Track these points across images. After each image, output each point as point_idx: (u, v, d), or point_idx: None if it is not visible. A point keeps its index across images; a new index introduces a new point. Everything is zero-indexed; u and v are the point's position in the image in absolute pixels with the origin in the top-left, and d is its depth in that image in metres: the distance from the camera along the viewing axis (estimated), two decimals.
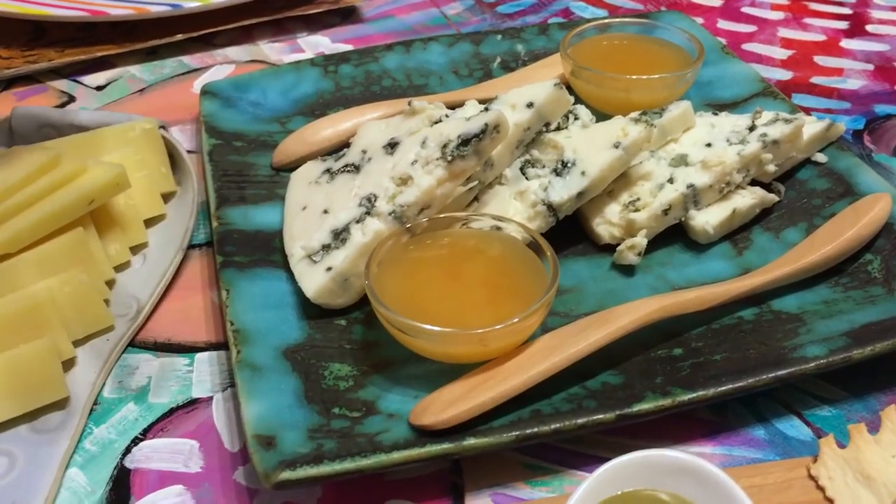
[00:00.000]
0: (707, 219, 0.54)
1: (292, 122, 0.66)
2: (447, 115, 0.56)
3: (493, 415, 0.43)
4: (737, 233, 0.56)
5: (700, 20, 0.80)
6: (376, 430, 0.43)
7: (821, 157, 0.59)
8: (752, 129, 0.57)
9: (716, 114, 0.60)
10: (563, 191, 0.53)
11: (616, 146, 0.53)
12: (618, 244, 0.54)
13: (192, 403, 0.48)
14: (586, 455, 0.45)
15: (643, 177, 0.55)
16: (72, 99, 0.73)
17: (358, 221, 0.50)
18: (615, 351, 0.46)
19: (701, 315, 0.48)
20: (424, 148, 0.51)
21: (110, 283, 0.53)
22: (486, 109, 0.54)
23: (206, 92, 0.67)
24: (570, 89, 0.58)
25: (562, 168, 0.54)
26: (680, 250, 0.55)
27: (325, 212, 0.53)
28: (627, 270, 0.53)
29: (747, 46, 0.79)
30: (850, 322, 0.48)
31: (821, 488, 0.41)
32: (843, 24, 0.82)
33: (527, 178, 0.54)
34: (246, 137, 0.63)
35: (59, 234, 0.50)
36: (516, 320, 0.44)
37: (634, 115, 0.55)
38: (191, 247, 0.57)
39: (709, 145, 0.56)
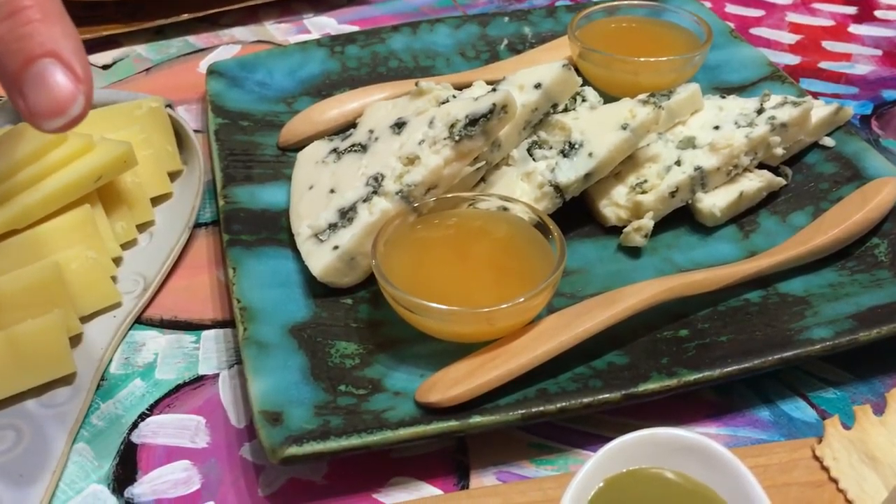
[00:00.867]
0: (714, 201, 0.54)
1: (298, 102, 0.65)
2: (454, 96, 0.56)
3: (499, 393, 0.43)
4: (744, 216, 0.56)
5: (708, 4, 0.80)
6: (382, 408, 0.43)
7: (828, 142, 0.59)
8: (760, 111, 0.57)
9: (724, 97, 0.60)
10: (570, 172, 0.53)
11: (624, 128, 0.53)
12: (624, 226, 0.53)
13: (199, 380, 0.48)
14: (591, 434, 0.45)
15: (650, 159, 0.55)
16: None
17: (365, 201, 0.50)
18: (621, 332, 0.46)
19: (707, 297, 0.48)
20: (432, 128, 0.51)
21: (117, 261, 0.53)
22: (494, 90, 0.54)
23: (213, 71, 0.66)
24: (577, 72, 0.58)
25: (569, 149, 0.54)
26: (686, 233, 0.55)
27: (332, 191, 0.53)
28: (634, 252, 0.53)
29: (755, 31, 0.79)
30: (857, 305, 0.48)
31: (825, 469, 0.41)
32: (851, 10, 0.82)
33: (534, 160, 0.54)
34: (252, 117, 0.63)
35: (66, 211, 0.50)
36: (522, 300, 0.44)
37: (642, 97, 0.55)
38: (197, 225, 0.57)
39: (717, 128, 0.56)
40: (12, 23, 0.32)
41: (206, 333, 0.51)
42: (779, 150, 0.56)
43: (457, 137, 0.50)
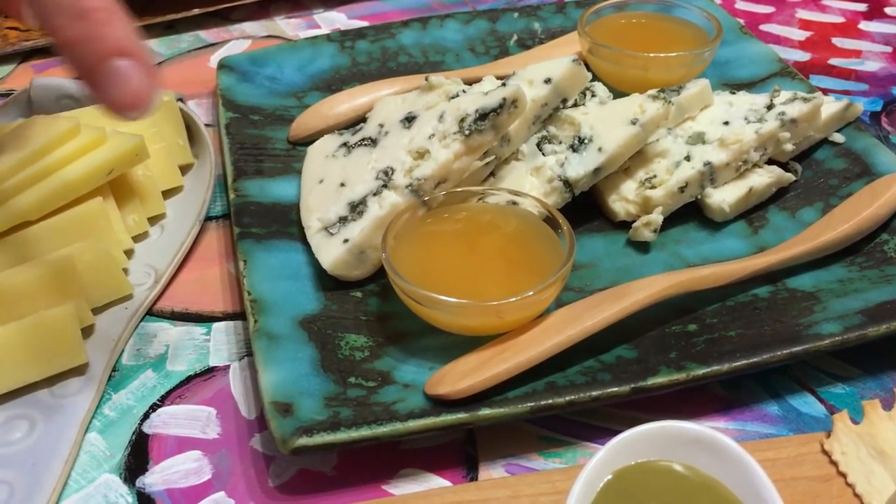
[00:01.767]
0: (723, 197, 0.54)
1: (308, 97, 0.66)
2: (464, 91, 0.56)
3: (508, 386, 0.43)
4: (752, 211, 0.56)
5: (718, 0, 0.80)
6: (392, 400, 0.43)
7: (838, 138, 0.59)
8: (770, 107, 0.57)
9: (733, 93, 0.60)
10: (579, 167, 0.53)
11: (633, 123, 0.53)
12: (633, 221, 0.54)
13: (210, 371, 0.48)
14: (600, 428, 0.45)
15: (660, 154, 0.55)
16: None
17: (375, 194, 0.51)
18: (630, 326, 0.46)
19: (716, 292, 0.49)
20: (442, 122, 0.52)
21: (129, 253, 0.53)
22: (504, 85, 0.54)
23: (224, 66, 0.67)
24: (587, 67, 0.58)
25: (578, 144, 0.54)
26: (695, 228, 0.55)
27: (342, 185, 0.53)
28: (642, 247, 0.54)
29: (765, 27, 0.79)
30: (866, 300, 0.48)
31: (834, 463, 0.41)
32: (861, 6, 0.82)
33: (543, 154, 0.54)
34: (263, 111, 0.63)
35: (78, 204, 0.50)
36: (531, 293, 0.44)
37: (652, 92, 0.55)
38: (208, 219, 0.58)
39: (726, 123, 0.56)
40: (85, 24, 0.36)
41: (216, 325, 0.51)
42: (788, 146, 0.56)
43: (467, 132, 0.50)
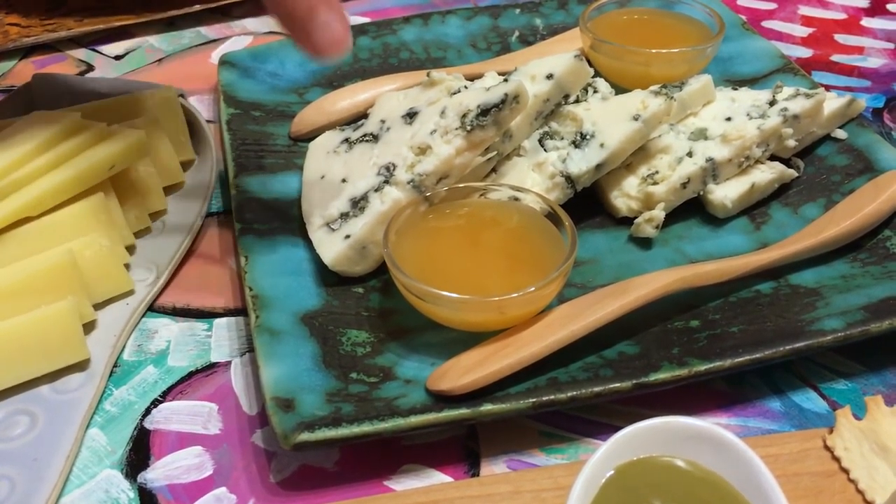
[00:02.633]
0: (725, 193, 0.54)
1: (310, 93, 0.66)
2: (466, 87, 0.56)
3: (510, 382, 0.43)
4: (755, 207, 0.56)
5: None
6: (394, 395, 0.43)
7: (840, 134, 0.59)
8: (772, 103, 0.56)
9: (736, 89, 0.60)
10: (581, 162, 0.53)
11: (635, 119, 0.52)
12: (635, 217, 0.53)
13: (211, 367, 0.48)
14: (602, 424, 0.45)
15: (662, 150, 0.55)
16: (90, 68, 0.73)
17: (376, 190, 0.51)
18: (632, 322, 0.46)
19: (718, 288, 0.48)
20: (443, 118, 0.51)
21: (130, 249, 0.53)
22: (506, 80, 0.54)
23: (225, 62, 0.67)
24: (589, 63, 0.58)
25: (581, 140, 0.54)
26: (698, 224, 0.55)
27: (344, 181, 0.53)
28: (645, 243, 0.53)
29: (767, 24, 0.78)
30: (868, 296, 0.47)
31: (836, 459, 0.41)
32: (863, 3, 0.82)
33: (545, 150, 0.54)
34: (264, 107, 0.63)
35: (80, 199, 0.50)
36: (533, 289, 0.44)
37: (654, 88, 0.55)
38: (209, 214, 0.58)
39: (729, 119, 0.56)
40: None
41: (218, 321, 0.51)
42: (791, 142, 0.56)
43: (469, 127, 0.50)
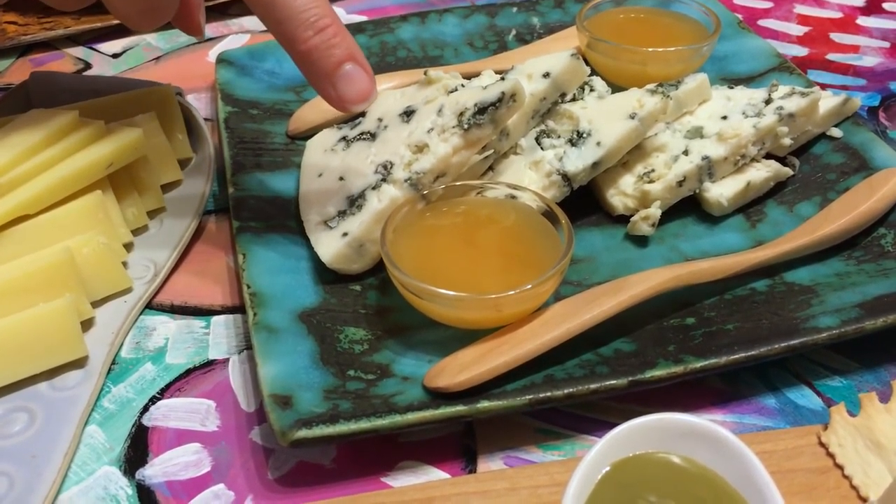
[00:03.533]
0: (721, 191, 0.54)
1: (307, 91, 0.66)
2: (463, 85, 0.56)
3: (507, 379, 0.43)
4: (750, 206, 0.56)
5: None
6: (391, 392, 0.43)
7: (836, 132, 0.59)
8: (768, 102, 0.57)
9: (731, 87, 0.60)
10: (578, 161, 0.53)
11: (632, 117, 0.53)
12: (632, 215, 0.54)
13: (209, 364, 0.48)
14: (598, 421, 0.45)
15: (658, 148, 0.55)
16: (88, 66, 0.73)
17: (374, 188, 0.51)
18: (628, 319, 0.46)
19: (714, 286, 0.49)
20: (440, 116, 0.52)
21: (128, 247, 0.53)
22: (503, 79, 0.54)
23: (222, 60, 0.67)
24: (585, 62, 0.58)
25: (577, 138, 0.54)
26: (693, 222, 0.55)
27: (341, 179, 0.53)
28: (641, 241, 0.54)
29: (763, 22, 0.79)
30: (863, 294, 0.48)
31: (831, 455, 0.41)
32: (859, 2, 0.82)
33: (542, 148, 0.54)
34: (262, 106, 0.63)
35: (77, 197, 0.50)
36: (530, 287, 0.44)
37: (651, 86, 0.55)
38: (207, 212, 0.58)
39: (724, 118, 0.56)
40: (323, 36, 0.44)
41: (215, 319, 0.51)
42: (786, 141, 0.56)
43: (465, 126, 0.50)
